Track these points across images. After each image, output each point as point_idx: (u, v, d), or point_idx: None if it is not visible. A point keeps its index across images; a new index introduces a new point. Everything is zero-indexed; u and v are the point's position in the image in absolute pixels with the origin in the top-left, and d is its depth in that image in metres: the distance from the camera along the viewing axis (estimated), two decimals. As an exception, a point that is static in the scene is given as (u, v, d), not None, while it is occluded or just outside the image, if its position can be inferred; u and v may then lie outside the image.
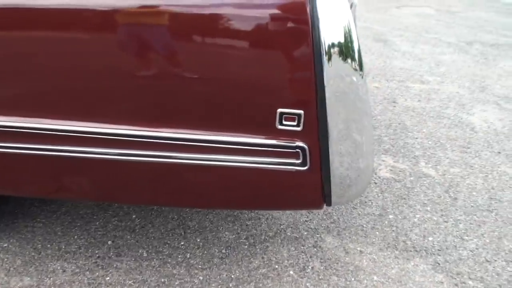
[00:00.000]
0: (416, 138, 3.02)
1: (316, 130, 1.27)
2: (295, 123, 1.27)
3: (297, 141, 1.30)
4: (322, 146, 1.29)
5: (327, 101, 1.23)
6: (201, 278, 1.83)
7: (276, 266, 1.90)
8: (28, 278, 1.81)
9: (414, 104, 3.59)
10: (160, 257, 1.93)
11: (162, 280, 1.82)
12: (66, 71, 1.34)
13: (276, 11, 1.21)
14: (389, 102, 3.63)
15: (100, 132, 1.39)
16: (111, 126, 1.38)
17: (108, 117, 1.38)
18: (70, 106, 1.39)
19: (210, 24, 1.23)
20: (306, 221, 2.16)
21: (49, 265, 1.87)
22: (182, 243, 2.00)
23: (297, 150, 1.31)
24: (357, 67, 1.23)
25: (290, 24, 1.21)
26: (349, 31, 1.21)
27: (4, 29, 1.33)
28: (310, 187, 1.39)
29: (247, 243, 2.01)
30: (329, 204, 1.42)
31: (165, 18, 1.25)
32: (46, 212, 2.17)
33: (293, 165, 1.33)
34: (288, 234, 2.08)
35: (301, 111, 1.25)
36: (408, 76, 4.23)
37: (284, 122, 1.28)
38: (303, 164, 1.32)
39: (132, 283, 1.79)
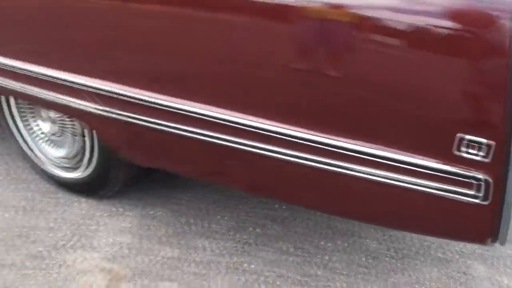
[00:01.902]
0: None
1: (506, 164, 1.16)
2: (482, 154, 1.17)
3: (480, 172, 1.19)
4: (508, 181, 1.18)
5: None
6: (344, 285, 1.78)
7: (416, 286, 1.81)
8: (175, 249, 1.88)
9: None
10: (303, 254, 1.92)
11: (300, 278, 1.80)
12: (236, 60, 1.36)
13: (469, 23, 1.10)
14: None
15: (262, 128, 1.39)
16: (276, 124, 1.38)
17: (272, 115, 1.37)
18: (244, 98, 1.42)
19: (389, 28, 1.15)
20: (457, 243, 2.03)
21: (194, 241, 1.93)
22: (327, 244, 1.97)
23: (480, 182, 1.20)
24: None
25: (485, 40, 1.10)
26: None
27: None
28: (484, 222, 1.28)
29: (388, 255, 1.94)
30: (502, 243, 1.30)
31: (343, 16, 1.20)
32: (197, 187, 2.25)
33: (471, 197, 1.23)
34: (435, 254, 1.97)
35: (492, 142, 1.14)
36: None
37: (465, 149, 1.18)
38: (484, 198, 1.22)
39: (270, 275, 1.80)
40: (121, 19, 1.49)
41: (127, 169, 1.97)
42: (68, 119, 2.07)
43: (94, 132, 1.91)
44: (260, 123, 1.37)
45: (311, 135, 1.32)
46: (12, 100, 2.24)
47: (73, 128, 2.07)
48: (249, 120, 1.38)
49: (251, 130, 1.40)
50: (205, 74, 1.43)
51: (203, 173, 1.72)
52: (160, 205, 2.16)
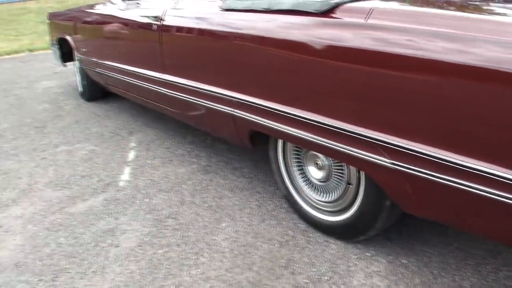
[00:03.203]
0: None
1: None
2: None
3: None
4: None
5: None
6: None
7: None
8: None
9: None
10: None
11: None
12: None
13: None
14: None
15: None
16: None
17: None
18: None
19: None
20: None
21: (445, 293, 2.12)
22: None
23: None
24: None
25: None
26: None
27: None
28: None
29: None
30: None
31: None
32: (441, 243, 2.45)
33: None
34: None
35: None
36: None
37: None
38: None
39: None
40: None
41: (391, 217, 2.23)
42: (337, 167, 2.40)
43: (362, 180, 2.22)
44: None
45: None
46: (287, 145, 2.66)
47: (341, 175, 2.39)
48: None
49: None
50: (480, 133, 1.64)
51: (483, 228, 1.89)
52: (407, 254, 2.39)
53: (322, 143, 2.14)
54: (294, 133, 2.28)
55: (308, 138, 2.21)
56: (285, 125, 2.31)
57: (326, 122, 2.07)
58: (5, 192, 3.30)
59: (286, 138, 2.42)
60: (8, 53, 9.50)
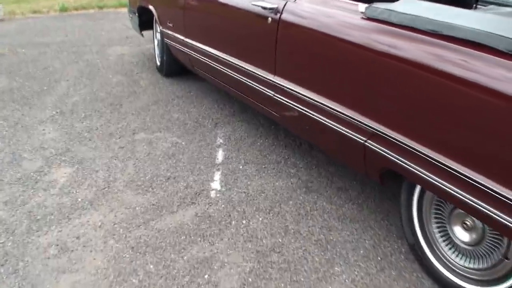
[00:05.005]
0: None
1: None
2: None
3: None
4: None
5: None
6: None
7: None
8: None
9: None
10: None
11: None
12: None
13: None
14: None
15: None
16: None
17: None
18: None
19: None
20: None
21: None
22: None
23: None
24: None
25: None
26: None
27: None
28: None
29: None
30: None
31: None
32: None
33: None
34: None
35: None
36: None
37: None
38: None
39: None
40: None
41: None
42: (493, 234, 2.05)
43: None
44: None
45: None
46: (427, 193, 2.28)
47: (496, 244, 2.04)
48: None
49: None
50: None
51: None
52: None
53: (484, 210, 1.81)
54: (447, 189, 1.94)
55: (465, 199, 1.87)
56: (436, 175, 1.98)
57: (495, 189, 1.75)
58: (81, 188, 3.12)
59: (434, 190, 2.07)
60: (76, 9, 9.31)
